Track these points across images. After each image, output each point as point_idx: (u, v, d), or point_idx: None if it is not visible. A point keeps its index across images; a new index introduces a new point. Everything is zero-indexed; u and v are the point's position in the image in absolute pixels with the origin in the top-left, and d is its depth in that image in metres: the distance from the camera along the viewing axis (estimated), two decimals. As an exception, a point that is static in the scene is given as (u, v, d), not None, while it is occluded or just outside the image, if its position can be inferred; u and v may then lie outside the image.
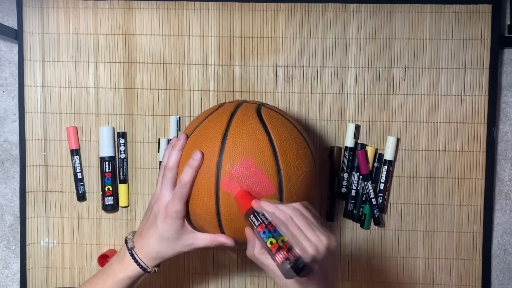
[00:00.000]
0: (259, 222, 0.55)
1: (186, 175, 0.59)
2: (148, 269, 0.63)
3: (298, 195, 0.60)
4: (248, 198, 0.57)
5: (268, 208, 0.55)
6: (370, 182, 0.78)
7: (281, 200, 0.59)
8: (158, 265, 0.64)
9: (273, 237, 0.53)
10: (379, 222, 0.80)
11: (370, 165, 0.79)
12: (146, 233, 0.63)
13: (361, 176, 0.79)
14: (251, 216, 0.55)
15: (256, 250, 0.56)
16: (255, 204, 0.56)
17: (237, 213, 0.59)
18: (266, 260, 0.55)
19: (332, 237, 0.53)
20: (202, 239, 0.62)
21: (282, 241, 0.52)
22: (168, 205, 0.61)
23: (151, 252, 0.62)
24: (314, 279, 0.55)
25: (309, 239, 0.52)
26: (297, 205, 0.56)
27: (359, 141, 0.80)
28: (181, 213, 0.61)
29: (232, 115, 0.62)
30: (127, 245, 0.64)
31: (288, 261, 0.50)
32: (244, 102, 0.67)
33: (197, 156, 0.59)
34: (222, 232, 0.62)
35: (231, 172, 0.58)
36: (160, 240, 0.62)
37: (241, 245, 0.63)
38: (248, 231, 0.57)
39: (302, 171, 0.61)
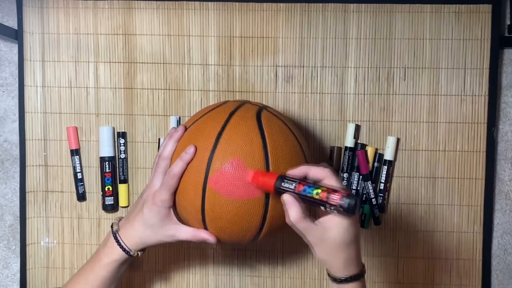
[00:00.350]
0: (294, 184, 0.54)
1: (176, 167, 0.60)
2: (131, 252, 0.64)
3: None
4: (265, 174, 0.57)
5: (305, 169, 0.55)
6: (370, 182, 0.78)
7: (266, 205, 0.59)
8: (142, 250, 0.66)
9: (316, 188, 0.52)
10: (379, 222, 0.80)
11: (370, 165, 0.79)
12: (132, 218, 0.65)
13: (361, 176, 0.79)
14: (283, 183, 0.55)
15: (298, 214, 0.54)
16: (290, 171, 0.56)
17: (221, 212, 0.59)
18: (308, 224, 0.54)
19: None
20: (185, 232, 0.63)
21: (323, 190, 0.52)
22: (156, 193, 0.62)
23: (134, 236, 0.64)
24: (355, 240, 0.54)
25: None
26: (325, 166, 0.56)
27: (359, 141, 0.80)
28: (167, 202, 0.62)
29: (231, 115, 0.62)
30: (112, 229, 0.66)
31: (344, 198, 0.50)
32: (247, 102, 0.66)
33: (190, 150, 0.60)
34: (206, 228, 0.62)
35: (220, 171, 0.58)
36: (145, 227, 0.63)
37: (223, 243, 0.63)
38: (286, 197, 0.55)
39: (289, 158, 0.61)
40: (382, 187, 0.79)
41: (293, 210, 0.53)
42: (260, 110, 0.64)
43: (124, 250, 0.64)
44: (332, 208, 0.51)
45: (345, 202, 0.50)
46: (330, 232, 0.53)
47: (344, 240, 0.53)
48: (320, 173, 0.54)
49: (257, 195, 0.58)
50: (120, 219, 0.68)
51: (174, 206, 0.64)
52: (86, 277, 0.66)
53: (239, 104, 0.65)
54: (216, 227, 0.61)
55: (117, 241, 0.65)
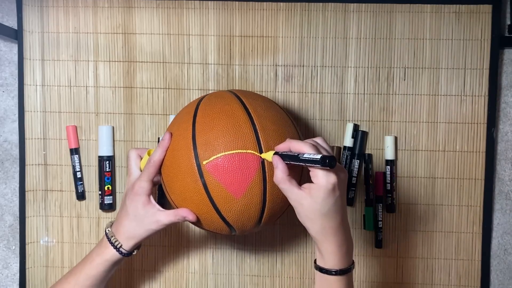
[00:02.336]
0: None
1: (155, 154, 0.63)
2: (123, 250, 0.66)
3: (276, 141, 0.61)
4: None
5: (296, 144, 0.56)
6: (381, 204, 0.79)
7: (261, 151, 0.60)
8: (138, 247, 0.68)
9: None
10: (380, 245, 0.80)
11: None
12: (119, 216, 0.67)
13: (374, 196, 0.80)
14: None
15: (281, 175, 0.56)
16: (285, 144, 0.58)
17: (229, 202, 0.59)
18: (290, 186, 0.56)
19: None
20: (167, 215, 0.64)
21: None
22: (136, 182, 0.65)
23: (124, 232, 0.66)
24: (332, 211, 0.56)
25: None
26: (318, 139, 0.58)
27: (367, 152, 0.80)
28: (146, 189, 0.64)
29: (203, 97, 0.66)
30: (105, 230, 0.68)
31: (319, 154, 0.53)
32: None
33: (165, 136, 0.63)
34: (217, 209, 0.61)
35: (212, 165, 0.59)
36: (130, 219, 0.65)
37: (200, 226, 0.64)
38: (274, 158, 0.57)
39: (274, 117, 0.63)
40: (389, 188, 0.79)
41: (278, 170, 0.56)
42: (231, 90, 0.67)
43: (116, 248, 0.65)
44: (310, 163, 0.53)
45: (324, 157, 0.52)
46: (309, 198, 0.55)
47: (320, 209, 0.55)
48: (300, 145, 0.56)
49: (251, 178, 0.59)
50: (112, 222, 0.69)
51: (165, 200, 0.65)
52: (76, 277, 0.67)
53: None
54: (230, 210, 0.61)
55: (109, 240, 0.66)
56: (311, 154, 0.54)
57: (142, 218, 0.65)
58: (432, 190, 0.80)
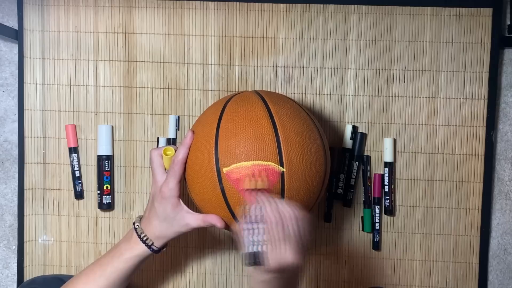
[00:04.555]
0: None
1: (179, 153, 0.63)
2: (154, 248, 0.66)
3: (298, 155, 0.60)
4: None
5: (267, 204, 0.57)
6: (378, 206, 0.79)
7: (281, 163, 0.59)
8: (165, 246, 0.67)
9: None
10: (378, 247, 0.80)
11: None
12: (147, 215, 0.67)
13: (373, 198, 0.80)
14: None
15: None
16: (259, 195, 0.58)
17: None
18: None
19: (299, 259, 0.55)
20: (195, 219, 0.64)
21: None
22: (163, 185, 0.64)
23: (154, 232, 0.66)
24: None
25: (279, 249, 0.55)
26: (293, 211, 0.57)
27: (365, 153, 0.80)
28: (174, 191, 0.64)
29: (230, 98, 0.65)
30: (134, 226, 0.67)
31: (252, 246, 0.55)
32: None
33: (188, 134, 0.64)
34: (231, 212, 0.61)
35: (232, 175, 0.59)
36: (160, 221, 0.65)
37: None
38: (240, 209, 0.58)
39: (299, 128, 0.61)
40: (387, 190, 0.79)
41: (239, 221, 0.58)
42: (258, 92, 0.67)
43: (147, 245, 0.66)
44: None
45: (247, 251, 0.56)
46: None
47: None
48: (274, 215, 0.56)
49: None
50: (141, 217, 0.69)
51: (191, 198, 0.65)
52: (103, 268, 0.66)
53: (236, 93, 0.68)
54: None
55: (140, 237, 0.66)
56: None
57: (171, 220, 0.65)
58: (431, 192, 0.80)
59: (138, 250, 0.66)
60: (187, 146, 0.63)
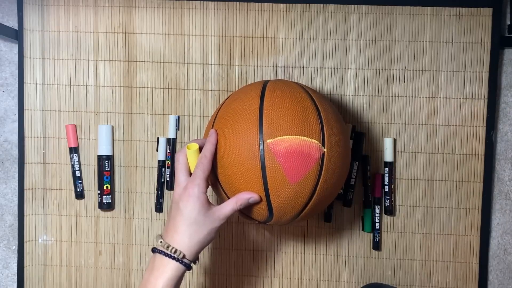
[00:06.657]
0: None
1: (206, 150, 0.61)
2: (186, 261, 0.60)
3: (337, 139, 0.62)
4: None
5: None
6: (378, 206, 0.79)
7: (323, 144, 0.60)
8: (197, 259, 0.62)
9: None
10: (378, 247, 0.80)
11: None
12: (172, 223, 0.61)
13: (373, 198, 0.80)
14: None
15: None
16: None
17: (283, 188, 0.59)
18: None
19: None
20: (228, 204, 0.61)
21: None
22: (188, 183, 0.61)
23: (183, 241, 0.59)
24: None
25: None
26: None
27: (364, 153, 0.80)
28: (202, 187, 0.60)
29: (267, 81, 0.66)
30: (156, 247, 0.61)
31: None
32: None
33: (212, 132, 0.62)
34: (265, 182, 0.59)
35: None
36: (188, 224, 0.60)
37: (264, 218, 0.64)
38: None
39: (336, 116, 0.64)
40: (387, 190, 0.79)
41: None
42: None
43: (178, 260, 0.59)
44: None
45: None
46: None
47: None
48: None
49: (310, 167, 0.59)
50: (161, 235, 0.62)
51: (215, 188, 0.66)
52: None
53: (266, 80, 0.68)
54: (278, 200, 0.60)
55: (168, 252, 0.59)
56: None
57: (203, 218, 0.60)
58: (431, 192, 0.80)
59: (169, 271, 0.59)
60: (214, 143, 0.61)
